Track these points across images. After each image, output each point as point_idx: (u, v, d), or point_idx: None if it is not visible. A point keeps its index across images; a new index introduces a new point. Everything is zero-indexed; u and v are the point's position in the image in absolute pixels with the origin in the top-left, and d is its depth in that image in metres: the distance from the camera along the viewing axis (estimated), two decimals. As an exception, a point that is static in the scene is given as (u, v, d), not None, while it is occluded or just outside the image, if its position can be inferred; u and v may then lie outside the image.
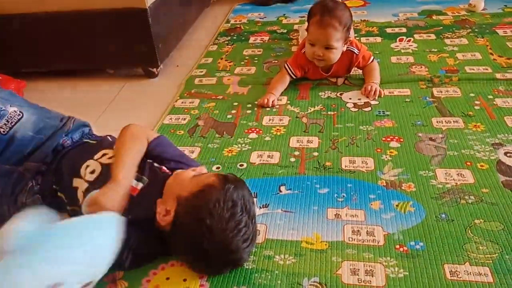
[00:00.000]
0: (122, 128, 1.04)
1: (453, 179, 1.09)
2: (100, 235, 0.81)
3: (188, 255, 0.88)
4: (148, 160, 1.03)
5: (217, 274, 0.89)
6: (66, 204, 1.04)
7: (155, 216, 0.90)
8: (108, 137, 1.17)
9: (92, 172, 0.99)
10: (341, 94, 1.50)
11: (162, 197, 0.93)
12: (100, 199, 0.88)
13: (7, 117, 1.04)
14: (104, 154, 1.04)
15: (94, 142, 1.13)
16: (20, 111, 1.07)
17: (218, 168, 1.21)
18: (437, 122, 1.31)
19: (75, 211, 1.03)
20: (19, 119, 1.05)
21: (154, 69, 1.75)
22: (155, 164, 1.03)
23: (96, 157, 1.03)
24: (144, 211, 0.92)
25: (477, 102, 1.38)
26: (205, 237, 0.81)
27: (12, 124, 1.04)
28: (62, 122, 1.13)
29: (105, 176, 0.98)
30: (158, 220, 0.88)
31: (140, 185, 0.97)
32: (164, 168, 1.03)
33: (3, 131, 1.03)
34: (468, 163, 1.13)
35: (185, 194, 0.87)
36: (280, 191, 1.10)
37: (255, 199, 1.07)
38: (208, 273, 0.89)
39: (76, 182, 1.00)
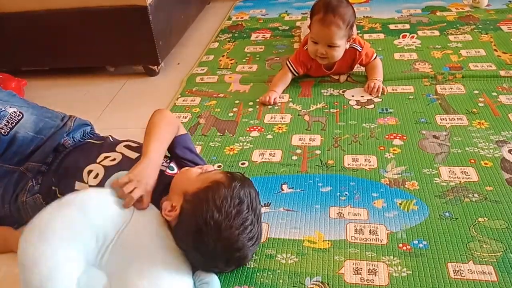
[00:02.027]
0: (155, 110, 1.06)
1: (457, 177, 1.08)
2: None
3: (192, 251, 0.87)
4: None
5: (220, 271, 0.88)
6: None
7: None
8: (110, 137, 1.17)
9: (96, 176, 0.99)
10: (343, 92, 1.49)
11: (168, 195, 0.92)
12: (136, 176, 0.88)
13: (7, 118, 1.04)
14: (106, 157, 1.03)
15: (97, 142, 1.12)
16: (20, 112, 1.07)
17: (219, 166, 1.20)
18: (440, 119, 1.30)
19: None
20: (19, 120, 1.05)
21: (155, 67, 1.74)
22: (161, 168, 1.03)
23: (98, 160, 1.03)
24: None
25: (481, 99, 1.37)
26: (211, 233, 0.81)
27: (13, 124, 1.04)
28: (62, 122, 1.13)
29: (108, 178, 0.97)
30: (163, 215, 0.87)
31: None
32: (168, 171, 1.02)
33: (4, 132, 1.02)
34: (472, 161, 1.12)
35: (191, 190, 0.86)
36: (282, 190, 1.10)
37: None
38: (211, 270, 0.89)
39: (79, 185, 1.00)
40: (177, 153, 1.05)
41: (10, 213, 1.03)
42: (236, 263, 0.88)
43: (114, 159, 1.02)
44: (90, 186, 0.98)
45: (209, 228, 0.81)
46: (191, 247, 0.86)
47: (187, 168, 0.98)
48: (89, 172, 1.00)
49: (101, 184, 0.97)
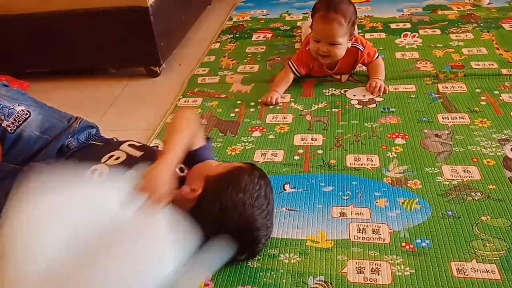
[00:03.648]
0: (181, 109, 1.04)
1: (460, 175, 1.08)
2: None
3: (211, 231, 0.85)
4: None
5: (234, 255, 0.86)
6: None
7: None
8: (114, 138, 1.17)
9: (100, 175, 0.99)
10: (345, 91, 1.49)
11: (185, 182, 0.94)
12: (152, 177, 0.83)
13: (15, 116, 1.05)
14: (110, 156, 1.04)
15: (100, 144, 1.13)
16: (27, 110, 1.08)
17: (222, 166, 1.20)
18: (442, 118, 1.30)
19: None
20: (26, 118, 1.06)
21: (157, 68, 1.75)
22: None
23: (103, 160, 1.03)
24: None
25: (483, 98, 1.37)
26: (236, 209, 0.84)
27: (20, 123, 1.05)
28: (69, 123, 1.14)
29: (113, 176, 0.98)
30: (184, 195, 0.88)
31: None
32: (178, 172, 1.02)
33: (11, 130, 1.04)
34: (475, 159, 1.12)
35: (214, 174, 0.90)
36: (285, 190, 1.10)
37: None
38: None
39: None
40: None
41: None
42: (251, 246, 0.88)
43: (118, 158, 1.03)
44: None
45: (234, 204, 0.84)
46: (211, 226, 0.84)
47: (206, 161, 1.02)
48: (93, 171, 1.01)
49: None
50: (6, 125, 1.03)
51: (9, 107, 1.05)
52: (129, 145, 1.09)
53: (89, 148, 1.11)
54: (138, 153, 1.06)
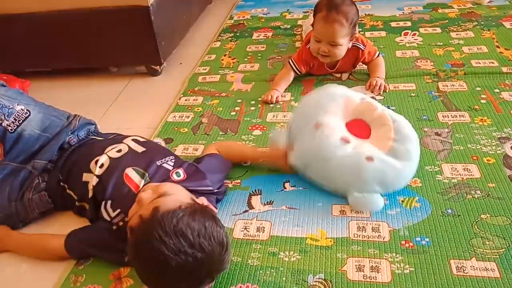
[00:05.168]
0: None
1: (459, 174, 1.08)
2: None
3: None
4: (158, 162, 1.03)
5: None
6: (75, 201, 1.05)
7: None
8: (116, 134, 1.18)
9: (101, 166, 1.00)
10: (345, 90, 1.49)
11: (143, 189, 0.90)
12: None
13: (15, 115, 1.06)
14: (113, 148, 1.04)
15: (101, 139, 1.14)
16: (27, 109, 1.08)
17: (222, 165, 1.20)
18: (443, 116, 1.30)
19: (83, 208, 1.04)
20: (26, 117, 1.07)
21: (157, 67, 1.75)
22: (165, 165, 1.02)
23: (106, 151, 1.04)
24: None
25: (483, 96, 1.37)
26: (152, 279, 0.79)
27: (20, 122, 1.06)
28: (68, 121, 1.14)
29: (113, 168, 0.98)
30: (130, 211, 0.87)
31: (142, 183, 0.97)
32: (174, 176, 1.00)
33: (11, 129, 1.04)
34: (475, 158, 1.12)
35: (131, 223, 0.85)
36: (285, 188, 1.10)
37: (259, 196, 1.08)
38: None
39: (86, 176, 1.01)
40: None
41: (16, 211, 1.05)
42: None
43: (120, 150, 1.03)
44: (96, 175, 0.99)
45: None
46: None
47: (149, 187, 0.90)
48: (97, 161, 1.01)
49: (106, 173, 0.98)
50: (7, 124, 1.04)
51: (9, 106, 1.06)
52: (133, 139, 1.10)
53: (91, 143, 1.12)
54: (140, 149, 1.06)
